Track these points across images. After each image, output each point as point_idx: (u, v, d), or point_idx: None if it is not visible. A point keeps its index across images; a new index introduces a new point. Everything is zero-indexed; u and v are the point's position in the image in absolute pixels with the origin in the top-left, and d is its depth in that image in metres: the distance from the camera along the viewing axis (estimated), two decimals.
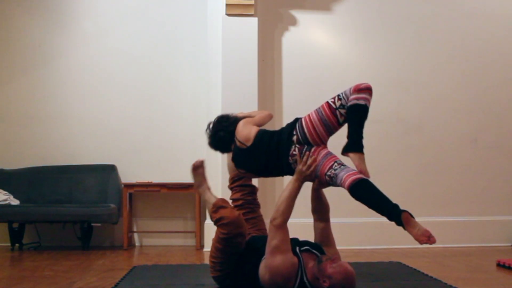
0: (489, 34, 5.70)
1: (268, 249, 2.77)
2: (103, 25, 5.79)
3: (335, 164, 2.86)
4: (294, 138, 2.98)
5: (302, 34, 5.55)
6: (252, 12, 5.15)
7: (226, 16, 5.16)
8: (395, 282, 3.46)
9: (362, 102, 2.89)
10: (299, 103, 5.50)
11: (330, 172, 2.85)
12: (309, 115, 3.01)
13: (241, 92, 5.07)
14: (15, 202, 5.29)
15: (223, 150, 3.33)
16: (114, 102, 5.74)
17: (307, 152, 2.91)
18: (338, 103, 2.96)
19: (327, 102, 3.00)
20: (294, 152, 2.96)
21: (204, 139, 5.38)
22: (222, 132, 3.19)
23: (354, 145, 2.92)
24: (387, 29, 5.66)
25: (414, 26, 5.66)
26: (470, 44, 5.68)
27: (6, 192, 5.33)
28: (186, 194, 5.62)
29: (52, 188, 5.48)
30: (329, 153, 2.94)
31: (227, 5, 5.12)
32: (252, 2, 5.11)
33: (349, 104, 2.91)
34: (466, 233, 5.44)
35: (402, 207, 5.80)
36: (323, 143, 2.99)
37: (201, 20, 5.59)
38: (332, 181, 2.87)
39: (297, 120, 3.07)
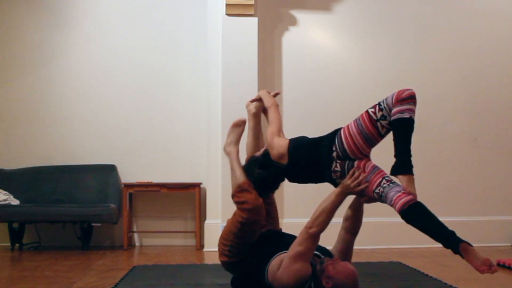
0: (489, 34, 5.70)
1: (292, 251, 2.73)
2: (103, 25, 5.79)
3: (383, 181, 2.72)
4: (334, 154, 2.81)
5: (302, 34, 5.55)
6: (252, 12, 5.15)
7: (226, 16, 5.16)
8: (395, 282, 3.47)
9: (406, 115, 2.67)
10: (299, 103, 5.50)
11: (378, 189, 2.72)
12: (348, 128, 2.83)
13: (241, 92, 5.06)
14: (15, 202, 5.29)
15: (279, 179, 3.17)
16: (114, 102, 5.74)
17: (355, 168, 2.78)
18: (379, 115, 2.75)
19: (367, 112, 2.80)
20: (336, 169, 2.83)
21: (203, 138, 5.45)
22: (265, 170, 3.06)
23: (403, 167, 2.73)
24: (387, 29, 5.66)
25: (414, 26, 5.66)
26: (470, 44, 5.68)
27: (6, 192, 5.33)
28: (186, 194, 5.62)
29: (52, 188, 5.48)
30: (376, 168, 2.79)
31: (227, 5, 5.13)
32: (252, 2, 5.11)
33: (392, 118, 2.70)
34: (466, 233, 5.38)
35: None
36: (365, 156, 2.83)
37: (201, 20, 5.59)
38: (381, 199, 2.75)
39: (336, 132, 2.89)
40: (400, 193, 2.65)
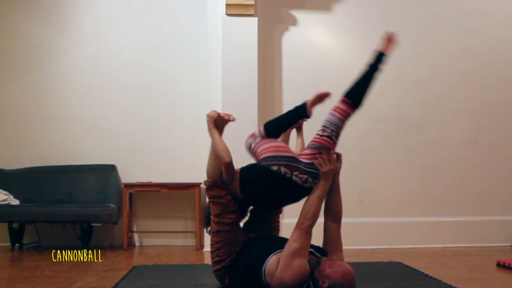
0: (489, 34, 5.70)
1: (288, 250, 2.75)
2: (103, 25, 5.79)
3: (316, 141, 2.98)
4: (297, 179, 2.90)
5: (302, 34, 5.55)
6: (252, 12, 5.15)
7: (226, 16, 5.16)
8: (395, 282, 3.46)
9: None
10: (299, 103, 5.49)
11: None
12: (297, 170, 2.93)
13: (241, 92, 5.07)
14: (15, 202, 5.29)
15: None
16: (114, 102, 5.74)
17: (315, 156, 2.92)
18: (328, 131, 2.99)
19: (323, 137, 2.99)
20: (303, 178, 2.91)
21: (203, 138, 5.44)
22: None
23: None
24: (387, 29, 5.62)
25: (414, 26, 5.66)
26: (470, 44, 5.68)
27: (6, 192, 5.33)
28: (186, 194, 5.62)
29: (52, 188, 5.48)
30: (312, 144, 2.99)
31: (227, 5, 5.12)
32: (252, 2, 5.11)
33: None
34: (466, 233, 5.44)
35: (402, 207, 5.79)
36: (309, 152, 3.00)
37: (201, 20, 5.59)
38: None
39: (279, 174, 2.93)
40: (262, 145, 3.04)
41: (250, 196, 3.07)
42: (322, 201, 2.90)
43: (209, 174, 3.15)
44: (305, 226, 2.79)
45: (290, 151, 3.00)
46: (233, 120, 3.19)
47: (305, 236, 2.77)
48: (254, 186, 3.02)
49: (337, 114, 2.97)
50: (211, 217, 3.13)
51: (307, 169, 2.91)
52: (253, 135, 3.12)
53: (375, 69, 3.02)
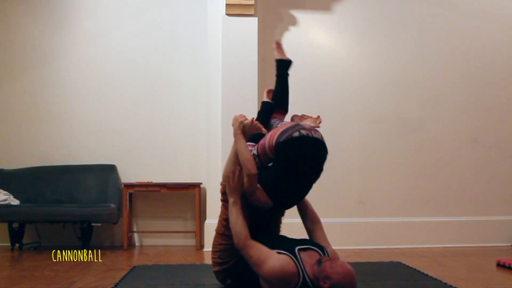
0: (489, 34, 5.70)
1: (254, 267, 2.77)
2: (103, 25, 5.79)
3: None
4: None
5: (302, 34, 5.55)
6: (252, 12, 5.15)
7: (226, 16, 5.16)
8: (395, 282, 3.46)
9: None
10: (299, 103, 5.48)
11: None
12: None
13: (241, 92, 5.07)
14: (15, 202, 5.29)
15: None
16: (114, 102, 5.74)
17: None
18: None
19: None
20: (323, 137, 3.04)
21: (203, 138, 5.45)
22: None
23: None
24: (387, 29, 5.66)
25: (414, 26, 5.66)
26: (470, 44, 5.69)
27: (6, 192, 5.33)
28: (186, 194, 5.62)
29: (52, 188, 5.48)
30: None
31: (227, 5, 5.13)
32: (252, 2, 5.11)
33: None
34: (466, 233, 5.44)
35: (402, 207, 5.80)
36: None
37: (201, 20, 5.59)
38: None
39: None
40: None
41: (284, 190, 2.92)
42: (243, 217, 2.90)
43: (226, 179, 3.06)
44: (242, 245, 2.82)
45: (290, 122, 3.13)
46: (265, 132, 3.09)
47: (251, 248, 2.78)
48: (285, 173, 2.89)
49: (280, 118, 3.47)
50: (220, 218, 3.11)
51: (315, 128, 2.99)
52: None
53: (286, 75, 3.58)
